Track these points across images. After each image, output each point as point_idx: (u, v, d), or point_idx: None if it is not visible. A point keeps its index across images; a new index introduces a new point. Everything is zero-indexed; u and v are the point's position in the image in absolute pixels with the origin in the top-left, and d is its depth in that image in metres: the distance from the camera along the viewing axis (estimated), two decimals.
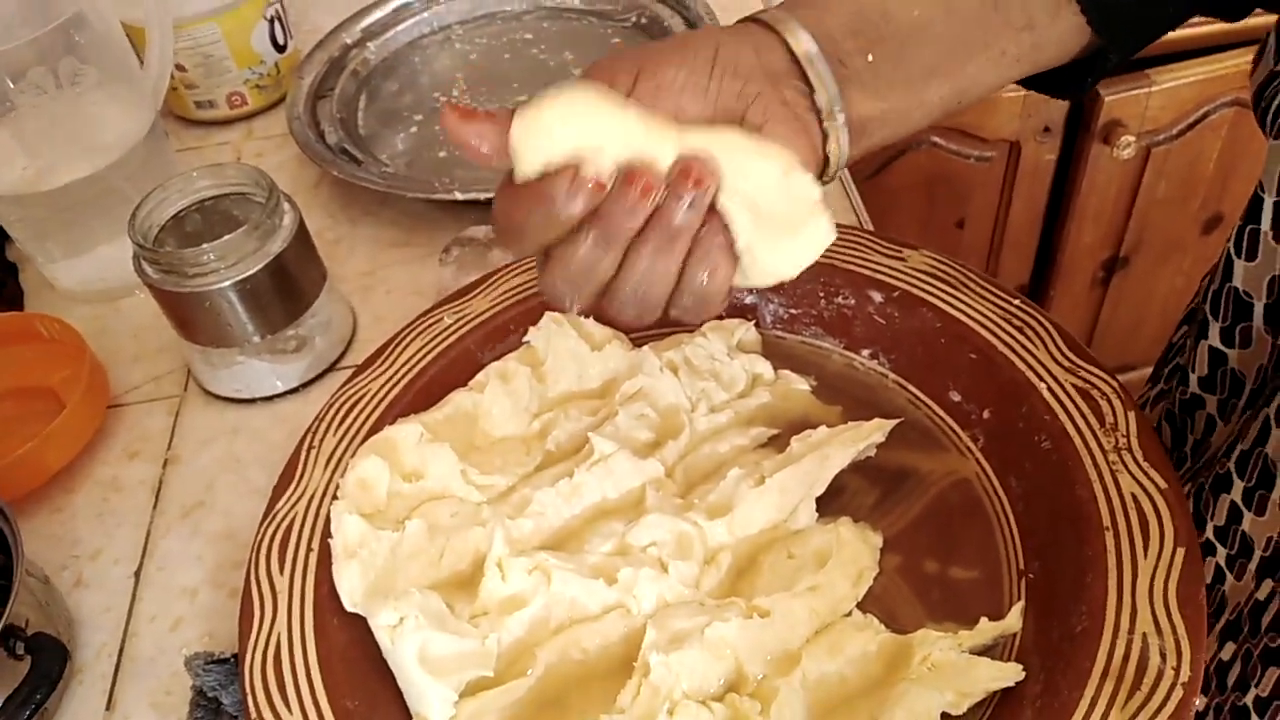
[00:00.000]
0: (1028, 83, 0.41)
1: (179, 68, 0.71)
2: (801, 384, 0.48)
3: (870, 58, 0.34)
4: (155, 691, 0.44)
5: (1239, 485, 0.42)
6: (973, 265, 0.47)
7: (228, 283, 0.51)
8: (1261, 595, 0.43)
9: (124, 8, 0.64)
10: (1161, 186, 1.12)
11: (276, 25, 0.74)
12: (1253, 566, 0.44)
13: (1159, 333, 1.33)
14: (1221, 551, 0.44)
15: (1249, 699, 0.44)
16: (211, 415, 0.55)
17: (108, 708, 0.43)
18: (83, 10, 0.56)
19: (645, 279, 0.32)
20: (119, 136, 0.60)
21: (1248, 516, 0.43)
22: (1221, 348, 0.45)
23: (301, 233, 0.53)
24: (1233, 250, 0.43)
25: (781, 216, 0.31)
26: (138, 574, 0.48)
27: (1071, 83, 0.40)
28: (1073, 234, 1.13)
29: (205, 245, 0.50)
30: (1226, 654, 0.44)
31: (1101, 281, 1.20)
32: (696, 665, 0.37)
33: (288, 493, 0.44)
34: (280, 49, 0.75)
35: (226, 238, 0.50)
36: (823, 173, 0.35)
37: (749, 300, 0.51)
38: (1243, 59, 1.06)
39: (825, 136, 0.34)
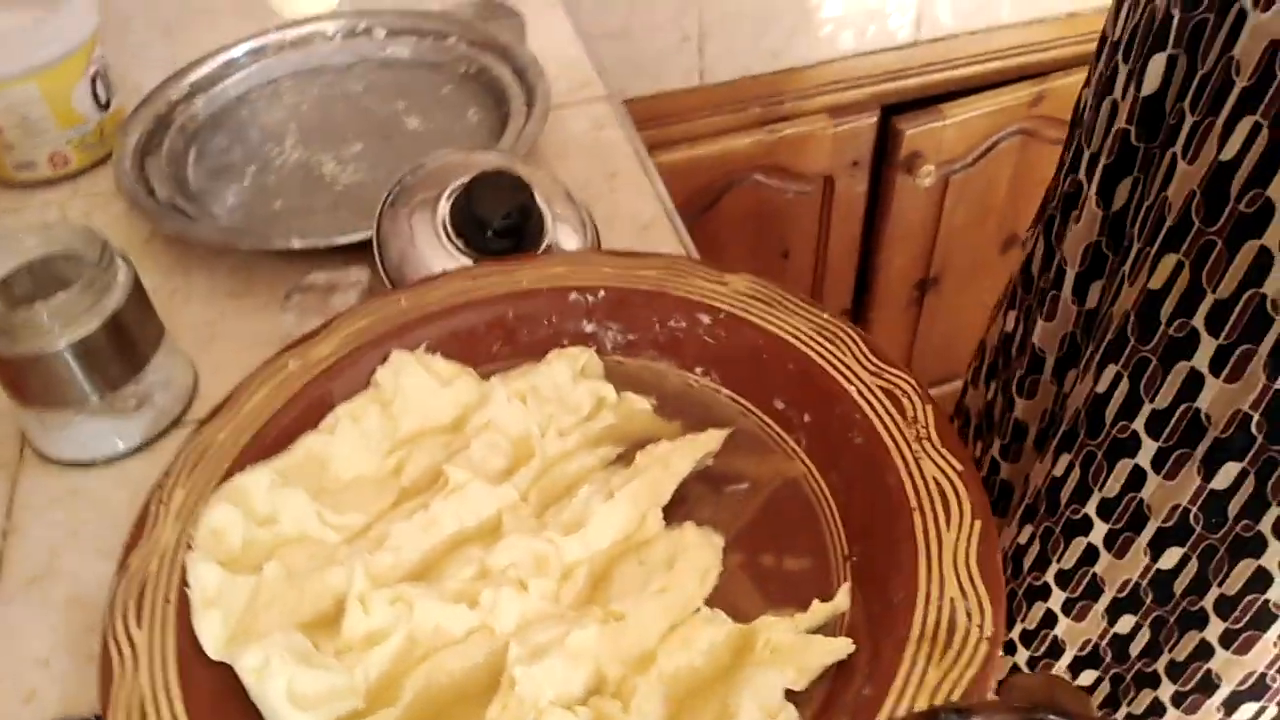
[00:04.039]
0: None
1: None
2: (643, 403, 0.51)
3: None
4: None
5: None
6: (787, 287, 0.52)
7: (63, 344, 0.50)
8: (1059, 471, 0.49)
9: None
10: (961, 211, 1.23)
11: (98, 83, 0.73)
12: (1055, 443, 0.50)
13: (972, 346, 1.44)
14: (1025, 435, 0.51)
15: (1050, 575, 0.50)
16: (50, 481, 0.53)
17: None
18: None
19: None
20: None
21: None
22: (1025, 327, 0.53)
23: (137, 288, 0.53)
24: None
25: None
26: None
27: None
28: (886, 259, 1.22)
29: (39, 305, 0.49)
30: (1024, 537, 0.50)
31: (916, 301, 1.30)
32: (559, 673, 0.40)
33: (139, 547, 0.44)
34: (104, 107, 0.74)
35: (60, 296, 0.49)
36: None
37: (589, 329, 0.54)
38: (1022, 92, 1.18)
39: None
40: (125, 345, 0.53)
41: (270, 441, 0.48)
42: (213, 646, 0.40)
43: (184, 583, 0.42)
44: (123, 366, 0.53)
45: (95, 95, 0.73)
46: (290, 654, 0.39)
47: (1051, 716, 0.22)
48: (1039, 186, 1.28)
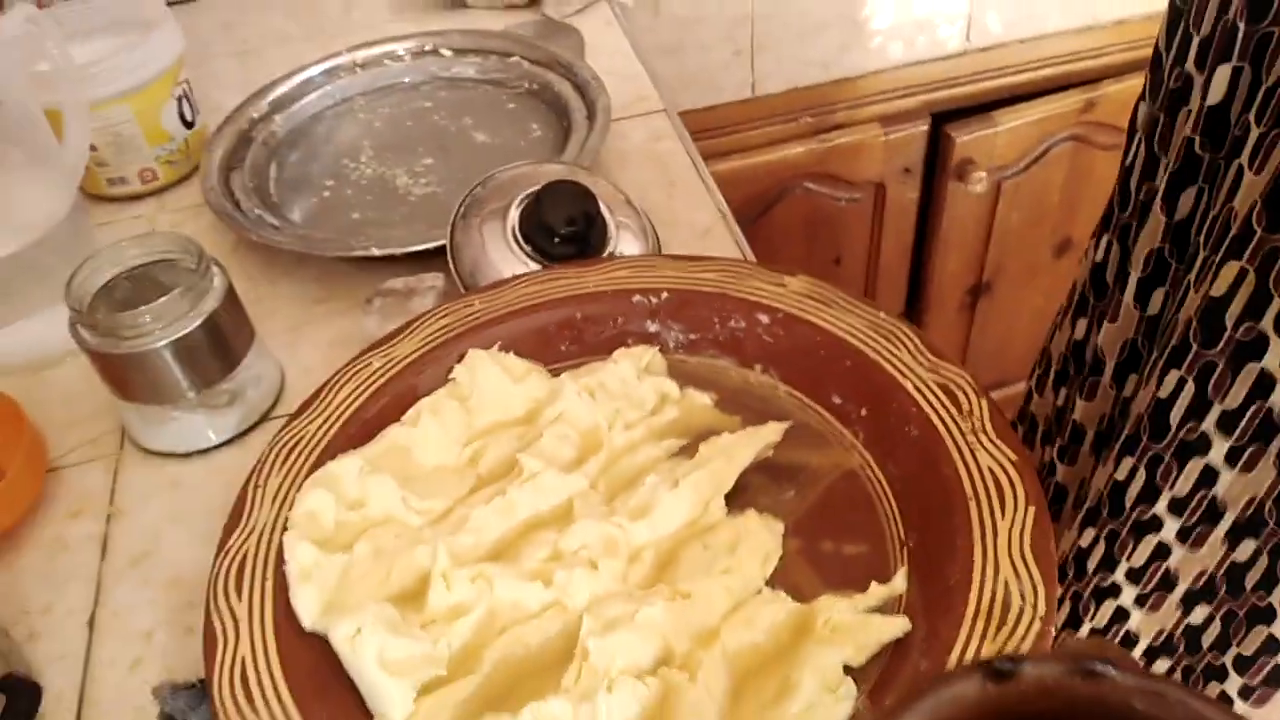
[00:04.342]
0: None
1: (90, 147, 0.74)
2: (705, 399, 0.53)
3: None
4: None
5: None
6: (843, 288, 0.54)
7: (163, 343, 0.54)
8: (1121, 475, 0.50)
9: (39, 92, 0.67)
10: (1014, 216, 1.23)
11: (184, 103, 0.78)
12: (1117, 448, 0.51)
13: (1025, 350, 1.44)
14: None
15: (1119, 574, 0.51)
16: (150, 470, 0.57)
17: None
18: (2, 96, 0.60)
19: None
20: (43, 215, 0.62)
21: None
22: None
23: (231, 292, 0.57)
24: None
25: None
26: (91, 623, 0.50)
27: None
28: (938, 264, 1.23)
29: (143, 308, 0.53)
30: (1086, 540, 0.51)
31: (969, 306, 1.31)
32: (630, 645, 0.42)
33: (238, 529, 0.47)
34: (189, 125, 0.78)
35: (162, 300, 0.53)
36: None
37: (652, 329, 0.56)
38: (1072, 99, 1.18)
39: None
40: (220, 345, 0.56)
41: (356, 433, 0.51)
42: (308, 618, 0.44)
43: (281, 560, 0.45)
44: (217, 364, 0.57)
45: (181, 114, 0.78)
46: (381, 624, 0.42)
47: (1099, 665, 0.23)
48: (1093, 191, 1.29)
